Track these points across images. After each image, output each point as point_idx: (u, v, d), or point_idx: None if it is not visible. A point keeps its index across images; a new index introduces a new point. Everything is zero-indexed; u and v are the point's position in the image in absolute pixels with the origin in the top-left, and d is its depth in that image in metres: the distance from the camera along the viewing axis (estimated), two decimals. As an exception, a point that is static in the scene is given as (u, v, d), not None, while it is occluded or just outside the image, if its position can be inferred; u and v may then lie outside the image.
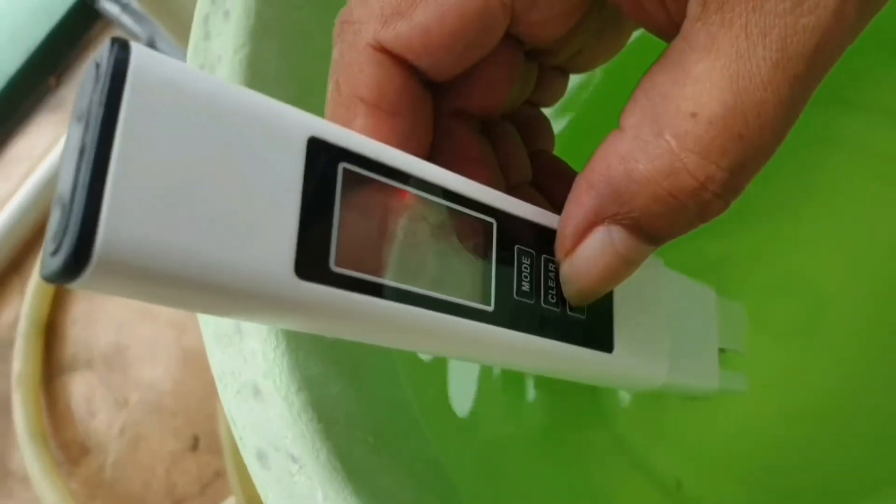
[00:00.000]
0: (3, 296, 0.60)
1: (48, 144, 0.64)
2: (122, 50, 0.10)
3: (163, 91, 0.10)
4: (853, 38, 0.12)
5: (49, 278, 0.09)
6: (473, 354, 0.14)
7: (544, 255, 0.14)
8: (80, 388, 0.55)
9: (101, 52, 0.10)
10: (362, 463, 0.13)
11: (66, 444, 0.53)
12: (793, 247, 0.32)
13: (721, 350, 0.20)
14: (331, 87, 0.14)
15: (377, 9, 0.13)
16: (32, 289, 0.56)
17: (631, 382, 0.17)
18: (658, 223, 0.13)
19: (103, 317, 0.56)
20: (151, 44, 0.59)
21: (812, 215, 0.32)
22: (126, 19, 0.62)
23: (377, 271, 0.12)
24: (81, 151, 0.09)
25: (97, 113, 0.09)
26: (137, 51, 0.10)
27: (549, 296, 0.14)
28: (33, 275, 0.57)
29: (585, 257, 0.13)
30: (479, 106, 0.15)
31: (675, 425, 0.32)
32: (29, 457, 0.50)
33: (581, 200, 0.13)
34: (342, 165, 0.11)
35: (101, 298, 0.57)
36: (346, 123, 0.14)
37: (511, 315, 0.13)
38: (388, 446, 0.14)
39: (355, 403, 0.14)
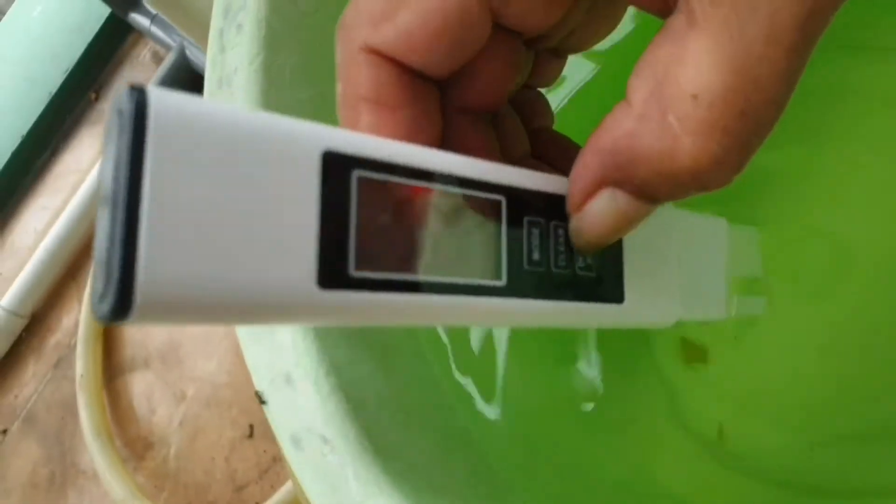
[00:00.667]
0: (62, 302, 0.63)
1: (93, 156, 0.66)
2: (140, 95, 0.10)
3: (182, 130, 0.10)
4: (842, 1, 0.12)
5: (101, 321, 0.10)
6: (490, 323, 0.14)
7: (553, 222, 0.15)
8: (140, 386, 0.57)
9: (120, 99, 0.10)
10: (391, 440, 0.14)
11: (130, 440, 0.56)
12: (813, 199, 0.32)
13: (737, 277, 0.20)
14: (337, 90, 0.15)
15: (366, 14, 0.14)
16: (88, 294, 0.59)
17: (643, 325, 0.18)
18: (660, 191, 0.13)
19: (156, 317, 0.58)
20: (182, 52, 0.60)
21: (831, 165, 0.32)
22: (156, 30, 0.63)
23: (394, 268, 0.12)
24: (114, 202, 0.10)
25: (125, 160, 0.10)
26: (154, 95, 0.10)
27: (559, 259, 0.15)
28: (90, 282, 0.59)
29: (592, 214, 0.14)
30: (485, 98, 0.16)
31: (717, 372, 0.32)
32: (96, 454, 0.52)
33: (588, 164, 0.14)
34: (356, 173, 0.12)
35: (153, 300, 0.59)
36: (354, 123, 0.14)
37: (522, 285, 0.14)
38: (417, 422, 0.15)
39: (384, 383, 0.15)
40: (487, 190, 0.14)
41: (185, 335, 0.57)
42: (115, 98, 0.10)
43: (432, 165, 0.13)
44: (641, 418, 0.31)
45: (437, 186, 0.13)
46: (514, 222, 0.14)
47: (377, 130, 0.14)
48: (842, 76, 0.31)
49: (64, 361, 0.60)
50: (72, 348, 0.59)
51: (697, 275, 0.18)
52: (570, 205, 0.15)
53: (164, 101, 0.10)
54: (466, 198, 0.13)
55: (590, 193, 0.14)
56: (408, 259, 0.13)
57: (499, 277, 0.14)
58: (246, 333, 0.15)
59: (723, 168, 0.13)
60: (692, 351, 0.32)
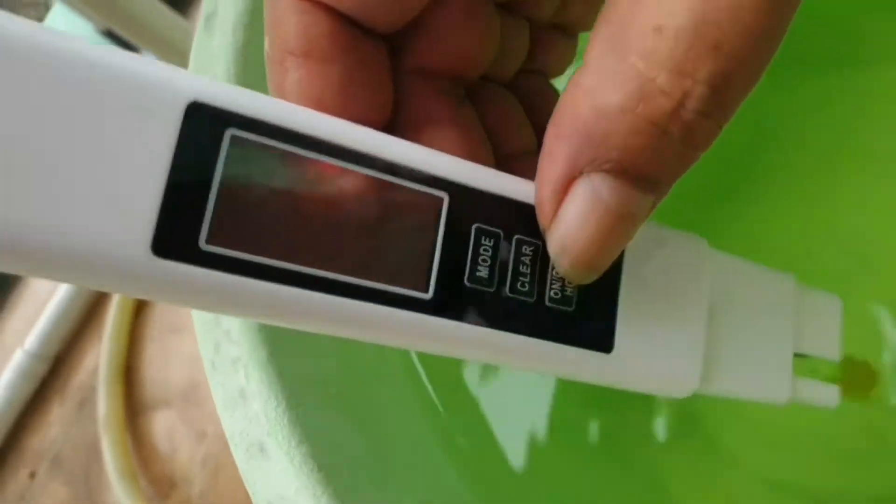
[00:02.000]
0: (83, 345, 0.65)
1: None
2: None
3: (6, 56, 0.09)
4: None
5: None
6: (402, 344, 0.12)
7: (517, 236, 0.12)
8: (162, 425, 0.58)
9: None
10: (366, 501, 0.14)
11: (154, 479, 0.57)
12: (833, 208, 0.31)
13: (803, 356, 0.16)
14: (266, 48, 0.13)
15: None
16: (108, 335, 0.60)
17: (637, 388, 0.14)
18: (642, 160, 0.11)
19: (176, 356, 0.60)
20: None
21: (851, 174, 0.31)
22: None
23: (266, 251, 0.11)
24: None
25: None
26: None
27: (520, 283, 0.12)
28: (108, 322, 0.61)
29: (571, 219, 0.12)
30: (444, 63, 0.14)
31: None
32: (121, 495, 0.54)
33: (553, 154, 0.11)
34: (230, 132, 0.11)
35: (173, 338, 0.60)
36: (281, 81, 0.13)
37: (458, 304, 0.12)
38: (397, 482, 0.16)
39: (361, 447, 0.16)
40: (425, 182, 0.12)
41: (205, 373, 0.58)
42: None
43: (345, 140, 0.11)
44: (639, 462, 0.31)
45: (346, 165, 0.11)
46: (456, 228, 0.12)
47: (305, 87, 0.12)
48: (853, 85, 0.31)
49: (88, 402, 0.62)
50: (95, 389, 0.61)
51: (744, 340, 0.15)
52: (541, 217, 0.12)
53: None
54: (391, 186, 0.12)
55: (562, 192, 0.12)
56: (288, 244, 0.11)
57: (424, 289, 0.12)
58: (221, 401, 0.15)
59: (704, 107, 0.11)
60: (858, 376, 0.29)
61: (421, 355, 0.21)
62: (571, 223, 0.11)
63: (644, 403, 0.31)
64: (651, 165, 0.11)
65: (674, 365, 0.14)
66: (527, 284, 0.12)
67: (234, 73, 0.18)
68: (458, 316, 0.12)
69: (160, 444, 0.58)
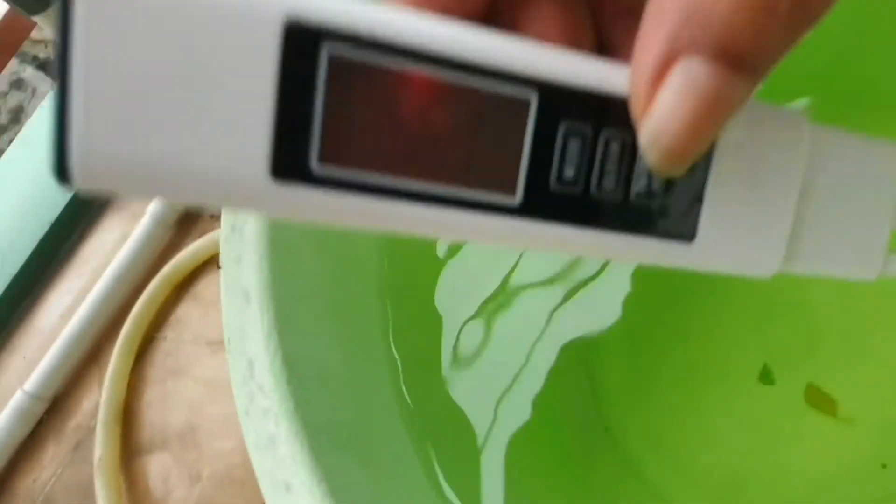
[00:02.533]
0: (83, 385, 0.66)
1: (116, 241, 0.71)
2: None
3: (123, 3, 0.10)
4: None
5: (57, 180, 0.10)
6: (494, 243, 0.13)
7: (605, 131, 0.12)
8: (158, 468, 0.59)
9: None
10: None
11: (146, 522, 0.58)
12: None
13: None
14: None
15: None
16: (110, 377, 0.62)
17: (721, 271, 0.14)
18: (745, 39, 0.10)
19: (176, 399, 0.61)
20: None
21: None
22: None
23: (371, 166, 0.11)
24: (54, 70, 0.10)
25: (59, 25, 0.10)
26: None
27: (607, 181, 0.12)
28: (111, 364, 0.63)
29: (668, 103, 0.11)
30: None
31: (691, 458, 0.33)
32: (114, 537, 0.55)
33: (651, 35, 0.11)
34: (327, 48, 0.11)
35: (174, 382, 0.62)
36: None
37: (545, 206, 0.12)
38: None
39: (371, 487, 0.18)
40: (513, 81, 0.12)
41: (204, 416, 0.60)
42: None
43: (435, 46, 0.11)
44: (617, 490, 0.33)
45: (439, 73, 0.11)
46: (544, 128, 0.12)
47: None
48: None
49: (83, 444, 0.63)
50: (91, 430, 0.62)
51: (837, 214, 0.15)
52: (634, 105, 0.12)
53: None
54: (480, 90, 0.11)
55: (660, 75, 0.11)
56: (390, 158, 0.11)
57: (511, 194, 0.12)
58: (252, 444, 0.17)
59: None
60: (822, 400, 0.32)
61: (420, 411, 0.23)
62: (667, 107, 0.11)
63: (615, 454, 0.33)
64: (754, 45, 0.10)
65: (756, 248, 0.14)
66: (613, 181, 0.13)
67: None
68: (545, 217, 0.12)
69: (154, 487, 0.59)
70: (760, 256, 0.14)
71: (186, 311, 0.64)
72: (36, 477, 0.63)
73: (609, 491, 0.33)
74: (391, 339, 0.24)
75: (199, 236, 0.64)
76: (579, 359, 0.33)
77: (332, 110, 0.11)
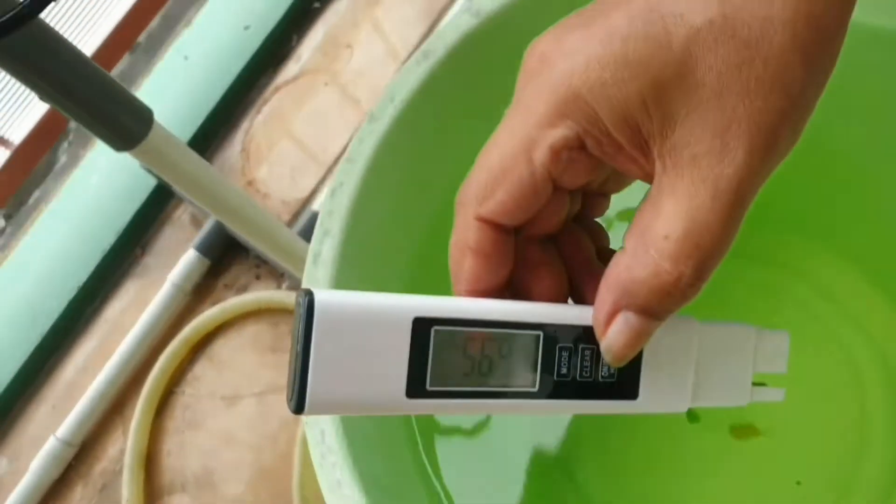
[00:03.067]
0: (108, 433, 0.74)
1: (138, 304, 0.79)
2: (309, 295, 0.18)
3: (331, 314, 0.18)
4: (765, 175, 0.18)
5: (291, 411, 0.18)
6: (527, 414, 0.23)
7: (581, 345, 0.21)
8: (177, 509, 0.67)
9: (299, 296, 0.18)
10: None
11: (168, 558, 0.66)
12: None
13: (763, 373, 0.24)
14: (452, 241, 0.21)
15: (473, 195, 0.20)
16: (133, 427, 0.70)
17: (654, 413, 0.22)
18: (655, 306, 0.19)
19: (193, 447, 0.69)
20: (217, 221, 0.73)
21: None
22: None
23: (457, 384, 0.19)
24: (297, 352, 0.18)
25: (301, 333, 0.18)
26: (318, 295, 0.18)
27: (584, 371, 0.21)
28: (135, 415, 0.71)
29: (614, 334, 0.20)
30: (541, 229, 0.22)
31: (645, 496, 0.41)
32: (143, 569, 0.62)
33: (604, 298, 0.20)
34: (434, 328, 0.19)
35: (190, 432, 0.70)
36: (460, 264, 0.21)
37: (551, 390, 0.20)
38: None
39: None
40: (528, 328, 0.20)
41: (219, 462, 0.68)
42: (297, 293, 0.19)
43: (486, 315, 0.20)
44: None
45: (490, 330, 0.20)
46: (548, 349, 0.20)
47: (475, 271, 0.21)
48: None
49: (109, 487, 0.71)
50: (116, 474, 0.70)
51: (718, 371, 0.23)
52: (597, 332, 0.20)
53: (321, 297, 0.18)
54: (512, 335, 0.20)
55: (609, 320, 0.20)
56: (467, 377, 0.20)
57: (533, 386, 0.20)
58: (326, 488, 0.27)
59: (690, 281, 0.18)
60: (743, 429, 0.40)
61: (435, 468, 0.33)
62: (614, 336, 0.20)
63: (578, 497, 0.41)
64: (659, 309, 0.19)
65: (673, 398, 0.22)
66: (588, 371, 0.21)
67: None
68: (553, 396, 0.20)
69: (175, 526, 0.67)
70: (676, 402, 0.22)
71: (202, 369, 0.72)
72: (68, 516, 0.70)
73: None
74: (413, 421, 0.34)
75: (214, 303, 0.73)
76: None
77: (437, 357, 0.19)
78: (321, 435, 0.27)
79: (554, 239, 0.23)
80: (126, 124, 0.43)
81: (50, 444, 0.71)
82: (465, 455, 0.36)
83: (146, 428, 0.70)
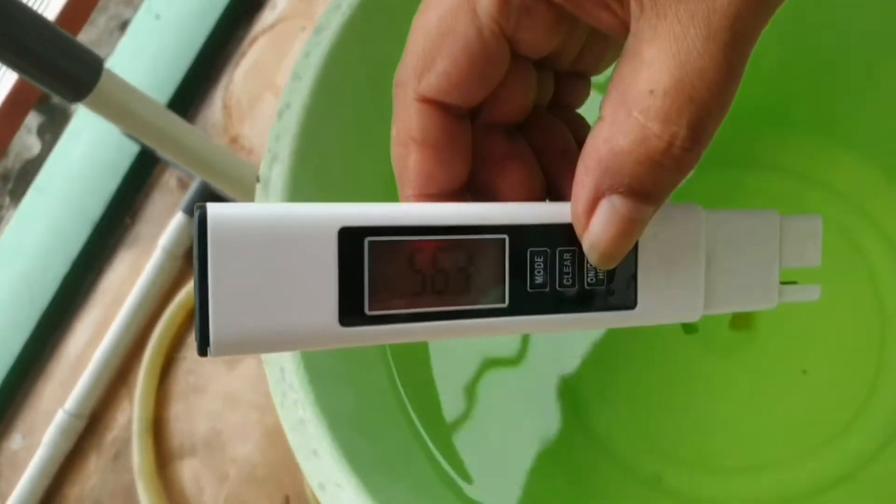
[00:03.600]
0: (116, 403, 0.73)
1: (132, 274, 0.78)
2: (201, 212, 0.15)
3: (230, 230, 0.15)
4: (767, 11, 0.15)
5: (199, 354, 0.15)
6: (494, 335, 0.17)
7: (559, 248, 0.17)
8: (189, 471, 0.67)
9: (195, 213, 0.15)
10: (377, 483, 0.24)
11: (184, 518, 0.66)
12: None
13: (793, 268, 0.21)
14: (392, 133, 0.18)
15: (411, 69, 0.17)
16: (139, 395, 0.69)
17: (661, 323, 0.19)
18: (646, 183, 0.15)
19: (199, 410, 0.69)
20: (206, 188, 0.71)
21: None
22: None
23: (403, 305, 0.16)
24: (196, 285, 0.15)
25: (196, 258, 0.15)
26: (213, 209, 0.15)
27: (565, 278, 0.17)
28: (139, 382, 0.70)
29: (598, 227, 0.16)
30: (504, 115, 0.18)
31: (651, 426, 0.40)
32: (158, 532, 0.62)
33: (583, 182, 0.16)
34: (367, 240, 0.16)
35: (195, 396, 0.69)
36: (404, 159, 0.17)
37: (526, 304, 0.17)
38: (396, 472, 0.25)
39: (374, 453, 0.25)
40: (489, 231, 0.17)
41: (225, 424, 0.67)
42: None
43: (433, 220, 0.16)
44: (578, 463, 0.39)
45: (440, 237, 0.16)
46: (517, 255, 0.17)
47: (422, 165, 0.17)
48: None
49: (121, 454, 0.70)
50: (127, 442, 0.69)
51: (736, 269, 0.19)
52: (577, 227, 0.16)
53: (216, 211, 0.15)
54: (469, 241, 0.16)
55: (591, 209, 0.16)
56: (415, 296, 0.16)
57: (502, 301, 0.17)
58: (288, 427, 0.25)
59: (686, 143, 0.15)
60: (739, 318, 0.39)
61: (409, 394, 0.31)
62: (598, 229, 0.16)
63: (584, 432, 0.40)
64: (651, 186, 0.15)
65: (682, 304, 0.18)
66: (570, 279, 0.17)
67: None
68: (526, 312, 0.17)
69: (188, 488, 0.67)
70: (687, 310, 0.19)
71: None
72: (83, 485, 0.70)
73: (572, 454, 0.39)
74: (388, 348, 0.32)
75: (208, 263, 0.71)
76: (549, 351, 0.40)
77: (375, 275, 0.16)
78: (281, 373, 0.25)
79: (524, 130, 0.19)
80: (73, 73, 0.40)
81: (59, 418, 0.71)
82: (453, 388, 0.34)
83: (151, 395, 0.70)
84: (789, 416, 0.39)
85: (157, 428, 0.70)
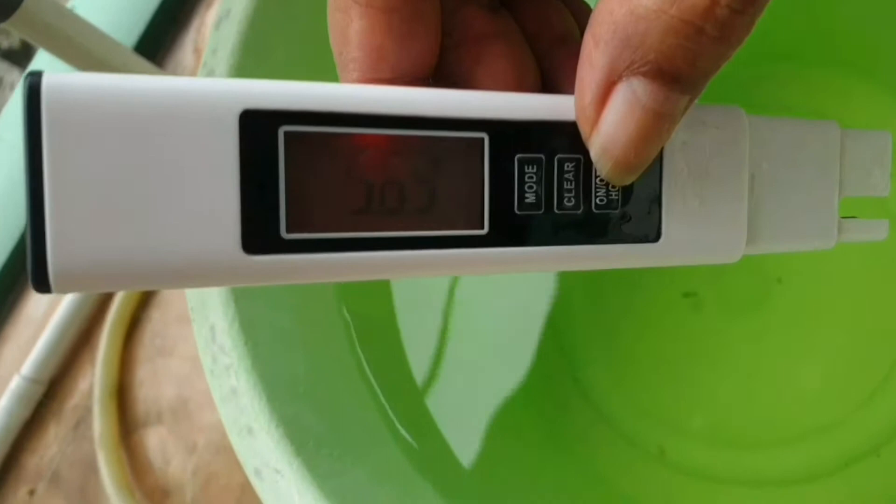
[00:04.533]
0: (77, 368, 0.69)
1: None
2: (33, 79, 0.10)
3: (79, 108, 0.10)
4: None
5: (35, 289, 0.11)
6: (470, 273, 0.14)
7: (559, 155, 0.13)
8: (154, 440, 0.63)
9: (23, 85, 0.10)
10: (327, 468, 0.19)
11: (149, 491, 0.62)
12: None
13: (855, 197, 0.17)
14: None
15: None
16: (101, 359, 0.65)
17: (691, 263, 0.15)
18: (678, 59, 0.11)
19: (165, 375, 0.64)
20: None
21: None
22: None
23: (339, 227, 0.12)
24: (27, 189, 0.10)
25: (28, 150, 0.10)
26: (49, 79, 0.10)
27: (566, 198, 0.13)
28: (101, 346, 0.65)
29: (613, 123, 0.12)
30: None
31: (656, 393, 0.37)
32: (119, 505, 0.58)
33: (592, 60, 0.12)
34: (283, 129, 0.11)
35: (162, 360, 0.65)
36: (345, 28, 0.13)
37: (512, 233, 0.13)
38: (352, 455, 0.21)
39: (324, 430, 0.21)
40: (464, 128, 0.12)
41: (193, 389, 0.63)
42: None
43: (386, 108, 0.12)
44: (580, 436, 0.36)
45: (395, 132, 0.12)
46: (501, 161, 0.13)
47: (367, 35, 0.13)
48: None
49: (83, 423, 0.66)
50: (89, 409, 0.65)
51: (785, 195, 0.15)
52: (583, 124, 0.12)
53: (54, 81, 0.10)
54: (435, 140, 0.12)
55: (603, 97, 0.12)
56: (356, 215, 0.12)
57: (480, 226, 0.13)
58: (218, 397, 0.20)
59: (736, 3, 0.11)
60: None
61: (370, 358, 0.26)
62: (612, 127, 0.12)
63: (585, 403, 0.36)
64: (686, 64, 0.11)
65: (719, 238, 0.14)
66: (573, 198, 0.13)
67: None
68: (513, 243, 0.13)
69: (153, 458, 0.63)
70: (725, 245, 0.14)
71: (169, 291, 0.66)
72: (42, 455, 0.66)
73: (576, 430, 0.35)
74: (343, 302, 0.27)
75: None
76: (543, 313, 0.36)
77: (295, 182, 0.11)
78: (211, 332, 0.21)
79: (511, 8, 0.15)
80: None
81: (15, 383, 0.66)
82: (425, 348, 0.29)
83: (115, 358, 0.65)
84: (806, 387, 0.36)
85: (121, 394, 0.65)
